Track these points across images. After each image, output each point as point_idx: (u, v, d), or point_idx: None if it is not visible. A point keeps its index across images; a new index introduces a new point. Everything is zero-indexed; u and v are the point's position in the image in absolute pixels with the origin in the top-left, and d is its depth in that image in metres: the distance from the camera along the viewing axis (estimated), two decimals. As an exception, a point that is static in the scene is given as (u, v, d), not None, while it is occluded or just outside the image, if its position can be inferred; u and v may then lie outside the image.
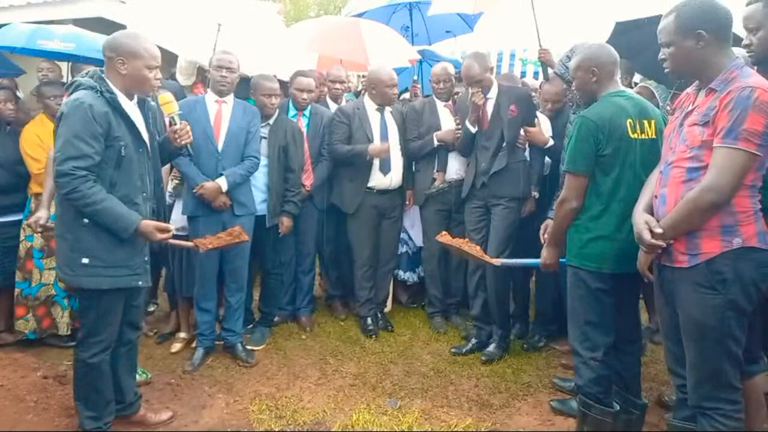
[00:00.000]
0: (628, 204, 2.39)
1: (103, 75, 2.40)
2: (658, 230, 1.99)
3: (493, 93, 3.46)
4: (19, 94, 4.46)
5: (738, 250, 1.90)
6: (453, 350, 3.64)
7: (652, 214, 2.11)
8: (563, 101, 3.44)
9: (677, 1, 2.02)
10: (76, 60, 4.48)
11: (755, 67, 2.12)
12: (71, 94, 2.36)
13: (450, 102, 3.94)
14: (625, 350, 2.65)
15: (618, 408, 2.58)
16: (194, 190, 3.24)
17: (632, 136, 2.42)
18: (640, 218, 2.10)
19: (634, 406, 2.65)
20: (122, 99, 2.41)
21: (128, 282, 2.46)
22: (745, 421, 2.04)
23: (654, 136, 2.48)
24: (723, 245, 1.90)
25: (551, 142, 3.44)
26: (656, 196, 2.11)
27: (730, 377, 1.97)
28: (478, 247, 3.06)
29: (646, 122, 2.47)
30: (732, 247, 1.90)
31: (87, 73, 2.43)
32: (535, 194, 3.57)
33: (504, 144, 3.44)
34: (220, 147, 3.31)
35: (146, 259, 2.53)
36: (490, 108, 3.46)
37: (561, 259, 2.69)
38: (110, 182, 2.36)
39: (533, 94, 3.79)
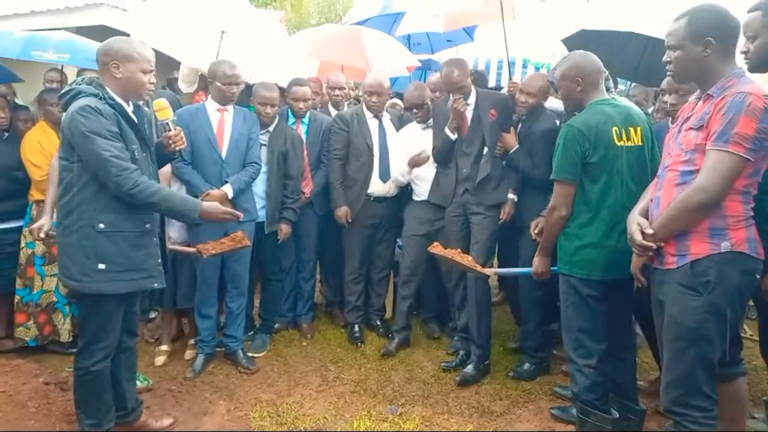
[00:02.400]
0: (616, 211, 2.42)
1: (100, 82, 2.41)
2: (649, 231, 2.02)
3: (472, 99, 3.41)
4: (18, 101, 4.48)
5: (725, 254, 1.91)
6: (443, 365, 3.54)
7: (647, 218, 2.12)
8: (541, 100, 3.25)
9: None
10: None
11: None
12: (71, 100, 2.36)
13: None
14: (620, 357, 2.66)
15: (617, 415, 2.58)
16: (200, 198, 3.25)
17: (618, 143, 2.45)
18: (633, 220, 2.13)
19: (632, 412, 2.66)
20: (123, 104, 2.43)
21: (145, 285, 2.48)
22: (721, 426, 2.04)
23: (640, 143, 2.50)
24: (711, 248, 1.92)
25: (515, 147, 3.32)
26: (651, 200, 2.13)
27: (702, 383, 1.96)
28: (470, 257, 3.06)
29: (632, 129, 2.49)
30: (719, 250, 1.91)
31: (83, 80, 2.43)
32: (513, 197, 3.39)
33: (485, 150, 3.37)
34: (223, 154, 3.33)
35: (159, 261, 2.55)
36: (469, 114, 3.40)
37: (552, 268, 2.69)
38: None
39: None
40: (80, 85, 2.40)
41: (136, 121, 2.47)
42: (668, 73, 2.11)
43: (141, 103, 2.64)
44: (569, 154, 2.45)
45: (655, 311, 2.18)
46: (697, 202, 1.90)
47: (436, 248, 3.09)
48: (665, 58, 2.07)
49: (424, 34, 5.96)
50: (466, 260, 3.01)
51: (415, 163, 3.63)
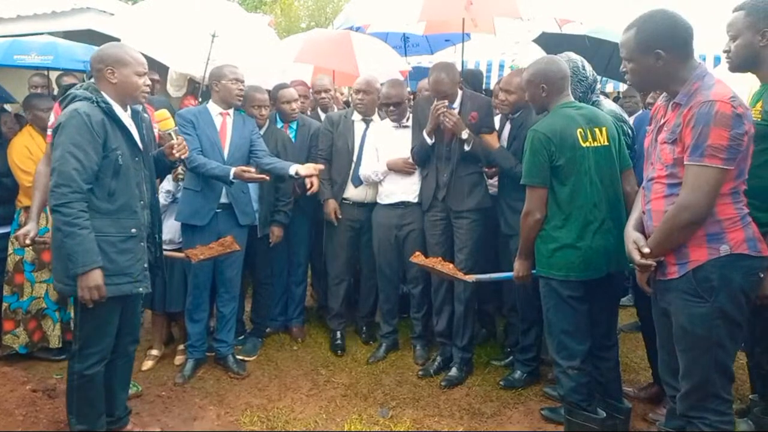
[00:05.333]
0: (588, 211, 2.47)
1: (96, 87, 2.45)
2: (646, 250, 2.00)
3: (457, 102, 3.37)
4: (8, 107, 4.46)
5: (726, 258, 1.88)
6: (421, 373, 3.47)
7: (643, 230, 2.11)
8: (522, 96, 3.08)
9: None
10: (58, 68, 4.52)
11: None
12: (66, 106, 2.40)
13: None
14: (602, 356, 2.69)
15: (604, 415, 2.60)
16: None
17: (584, 144, 2.50)
18: (629, 238, 2.10)
19: (618, 410, 2.69)
20: (117, 108, 2.46)
21: (129, 289, 2.47)
22: None
23: (606, 143, 2.56)
24: (710, 253, 1.90)
25: (497, 147, 3.29)
26: (644, 212, 2.12)
27: (718, 387, 1.94)
28: (451, 265, 3.06)
29: (597, 130, 2.54)
30: (719, 254, 1.89)
31: (81, 86, 2.48)
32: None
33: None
34: (226, 157, 3.34)
35: (145, 266, 2.56)
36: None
37: (534, 272, 2.72)
38: (109, 191, 2.40)
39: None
40: (78, 90, 2.44)
41: (128, 126, 2.49)
42: (627, 82, 2.13)
43: (140, 109, 2.69)
44: (536, 158, 2.49)
45: (657, 320, 2.18)
46: (685, 220, 1.88)
47: (417, 258, 3.09)
48: (622, 67, 2.07)
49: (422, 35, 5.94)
50: (447, 268, 3.01)
51: (396, 165, 3.50)
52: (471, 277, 3.03)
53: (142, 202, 2.54)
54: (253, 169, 3.24)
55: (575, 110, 2.57)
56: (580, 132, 2.49)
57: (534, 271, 2.70)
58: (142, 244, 2.54)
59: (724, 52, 2.29)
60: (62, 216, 2.26)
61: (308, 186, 3.30)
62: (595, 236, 2.47)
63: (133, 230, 2.47)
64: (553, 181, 2.52)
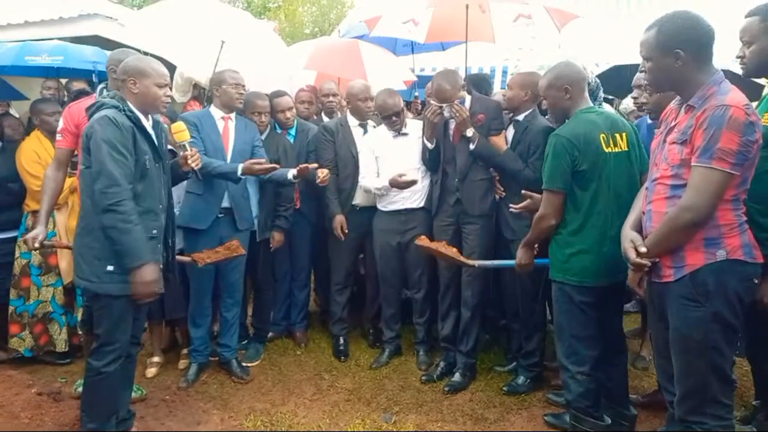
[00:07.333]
0: (607, 217, 2.46)
1: (123, 96, 2.55)
2: (643, 249, 2.01)
3: (466, 105, 3.35)
4: (13, 111, 4.51)
5: (722, 263, 1.90)
6: (424, 378, 3.48)
7: (641, 230, 2.12)
8: (520, 93, 3.19)
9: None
10: (67, 75, 4.57)
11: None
12: (95, 112, 2.50)
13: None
14: (611, 362, 2.68)
15: (609, 421, 2.60)
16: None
17: (606, 150, 2.48)
18: (626, 237, 2.11)
19: (624, 417, 2.68)
20: (141, 116, 2.57)
21: None
22: None
23: (626, 149, 2.54)
24: (706, 257, 1.91)
25: (504, 149, 3.28)
26: (644, 212, 2.13)
27: (716, 392, 1.94)
28: (455, 249, 3.08)
29: (618, 136, 2.53)
30: (716, 259, 1.90)
31: (108, 94, 2.59)
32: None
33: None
34: (229, 161, 3.36)
35: (161, 267, 2.61)
36: None
37: (536, 260, 2.71)
38: (136, 193, 2.48)
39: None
40: (104, 98, 2.54)
41: (152, 133, 2.59)
42: (645, 82, 2.14)
43: (160, 119, 2.79)
44: (559, 163, 2.47)
45: (653, 323, 2.18)
46: (687, 221, 1.89)
47: (422, 241, 3.12)
48: (641, 67, 2.10)
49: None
50: (451, 252, 3.03)
51: (398, 184, 3.44)
52: (474, 262, 3.04)
53: (161, 206, 2.64)
54: (262, 159, 3.30)
55: (596, 115, 2.55)
56: (603, 137, 2.47)
57: (538, 260, 2.69)
58: (159, 246, 2.62)
59: (738, 57, 2.28)
60: (118, 214, 2.36)
61: (320, 177, 3.38)
62: (612, 243, 2.43)
63: (154, 231, 2.56)
64: (573, 186, 2.50)
